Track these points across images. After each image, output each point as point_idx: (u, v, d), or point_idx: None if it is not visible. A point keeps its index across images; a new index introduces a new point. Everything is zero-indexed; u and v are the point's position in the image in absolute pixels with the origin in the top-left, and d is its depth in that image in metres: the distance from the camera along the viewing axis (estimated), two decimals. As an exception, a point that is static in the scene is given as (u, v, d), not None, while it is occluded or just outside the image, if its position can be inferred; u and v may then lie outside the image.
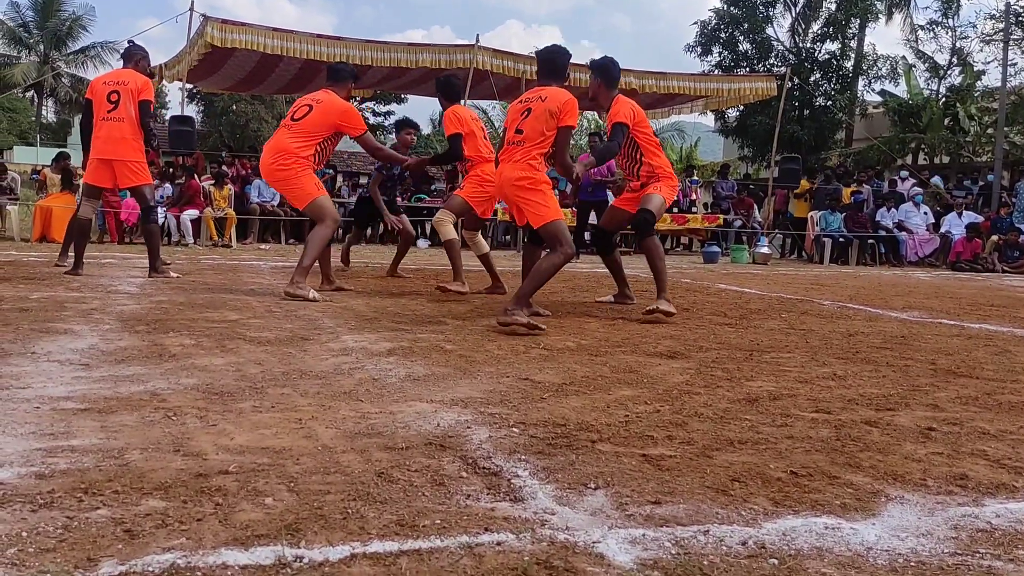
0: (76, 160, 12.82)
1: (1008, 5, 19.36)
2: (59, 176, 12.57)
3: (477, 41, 14.05)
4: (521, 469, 2.01)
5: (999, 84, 18.84)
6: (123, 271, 7.30)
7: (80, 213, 6.78)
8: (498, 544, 1.56)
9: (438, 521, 1.65)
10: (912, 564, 1.55)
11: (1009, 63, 18.92)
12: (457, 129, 6.08)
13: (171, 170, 13.74)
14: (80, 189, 12.20)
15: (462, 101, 6.96)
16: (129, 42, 7.17)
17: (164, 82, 16.04)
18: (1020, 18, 19.99)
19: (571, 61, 5.00)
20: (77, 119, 35.25)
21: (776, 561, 1.54)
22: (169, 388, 2.72)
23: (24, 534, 1.51)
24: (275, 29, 12.47)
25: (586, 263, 9.96)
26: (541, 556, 1.51)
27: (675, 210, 15.98)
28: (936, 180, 18.48)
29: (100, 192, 6.90)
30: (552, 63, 4.93)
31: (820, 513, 1.79)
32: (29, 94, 36.56)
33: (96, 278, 6.45)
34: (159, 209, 12.56)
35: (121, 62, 6.93)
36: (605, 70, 5.24)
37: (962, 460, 2.22)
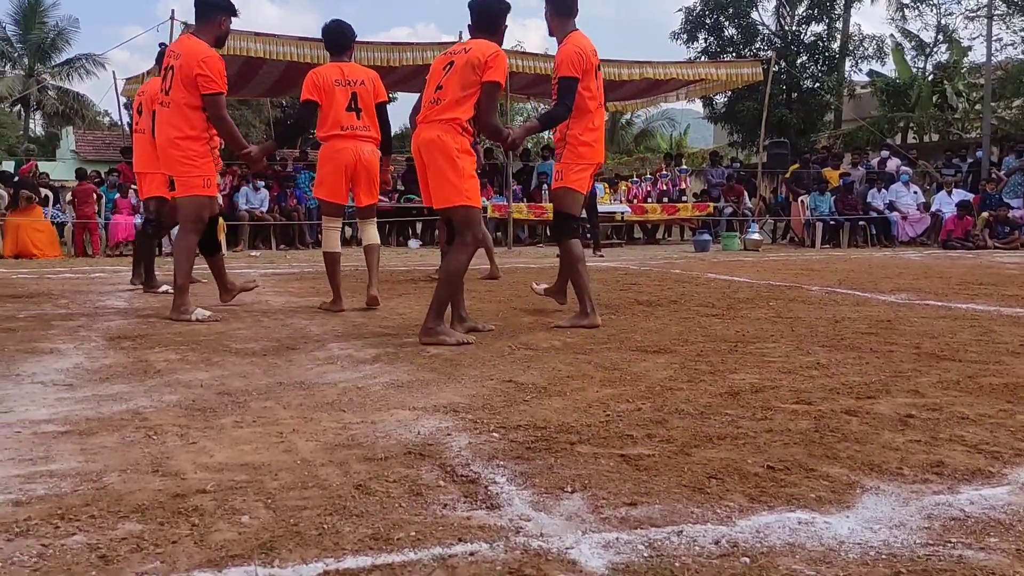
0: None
1: (991, -20, 19.34)
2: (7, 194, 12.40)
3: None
4: (499, 475, 2.02)
5: (985, 60, 18.85)
6: (112, 285, 7.29)
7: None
8: (471, 554, 1.57)
9: (413, 533, 1.66)
10: (883, 556, 1.56)
11: (994, 38, 18.93)
12: (309, 95, 5.09)
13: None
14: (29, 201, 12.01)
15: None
16: None
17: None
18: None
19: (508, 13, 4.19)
20: (65, 131, 34.44)
21: (748, 560, 1.55)
22: (151, 406, 2.72)
23: (-2, 565, 1.52)
24: (257, 33, 12.42)
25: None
26: (514, 565, 1.52)
27: (665, 200, 15.99)
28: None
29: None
30: (482, 13, 4.15)
31: (795, 508, 1.80)
32: (16, 108, 36.33)
33: (84, 294, 6.45)
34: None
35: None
36: None
37: (940, 447, 2.23)
